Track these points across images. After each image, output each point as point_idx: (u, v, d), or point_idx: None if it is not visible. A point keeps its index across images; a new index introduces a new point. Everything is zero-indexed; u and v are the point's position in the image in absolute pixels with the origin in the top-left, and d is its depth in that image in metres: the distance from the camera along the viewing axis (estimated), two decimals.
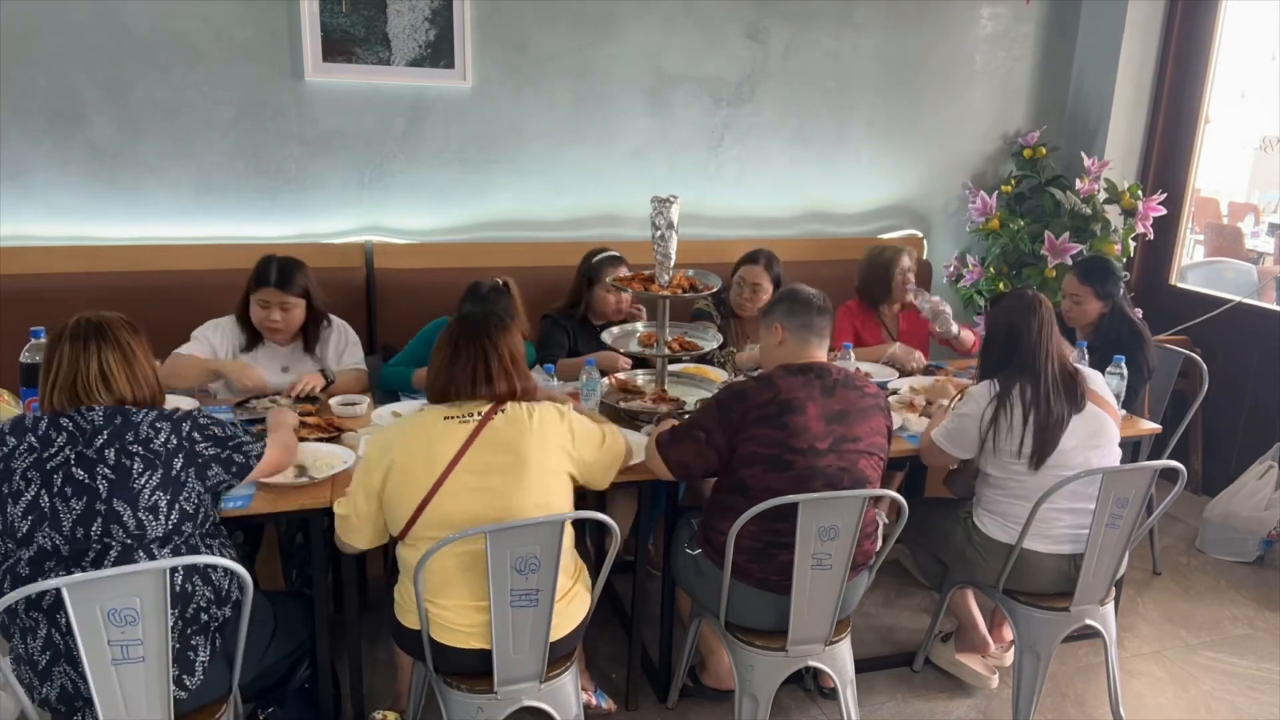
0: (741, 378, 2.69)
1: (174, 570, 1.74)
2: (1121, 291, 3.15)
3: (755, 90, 3.94)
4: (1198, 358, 3.30)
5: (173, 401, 2.55)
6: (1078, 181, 4.04)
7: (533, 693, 2.01)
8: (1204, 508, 3.74)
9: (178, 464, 1.79)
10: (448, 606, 1.95)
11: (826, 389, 2.21)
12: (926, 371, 3.31)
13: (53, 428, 1.74)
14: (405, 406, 2.70)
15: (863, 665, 2.61)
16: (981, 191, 4.16)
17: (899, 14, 4.03)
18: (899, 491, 3.11)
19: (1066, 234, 3.92)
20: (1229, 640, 3.12)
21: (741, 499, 2.18)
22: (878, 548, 2.37)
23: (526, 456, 1.95)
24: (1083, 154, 4.13)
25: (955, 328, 3.34)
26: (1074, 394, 2.40)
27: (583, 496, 2.21)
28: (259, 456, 1.95)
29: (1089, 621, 2.48)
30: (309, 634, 2.20)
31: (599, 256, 3.22)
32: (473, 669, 1.98)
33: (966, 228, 4.31)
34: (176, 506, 1.78)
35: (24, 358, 2.29)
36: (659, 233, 2.67)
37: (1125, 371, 2.82)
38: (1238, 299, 4.06)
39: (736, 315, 3.41)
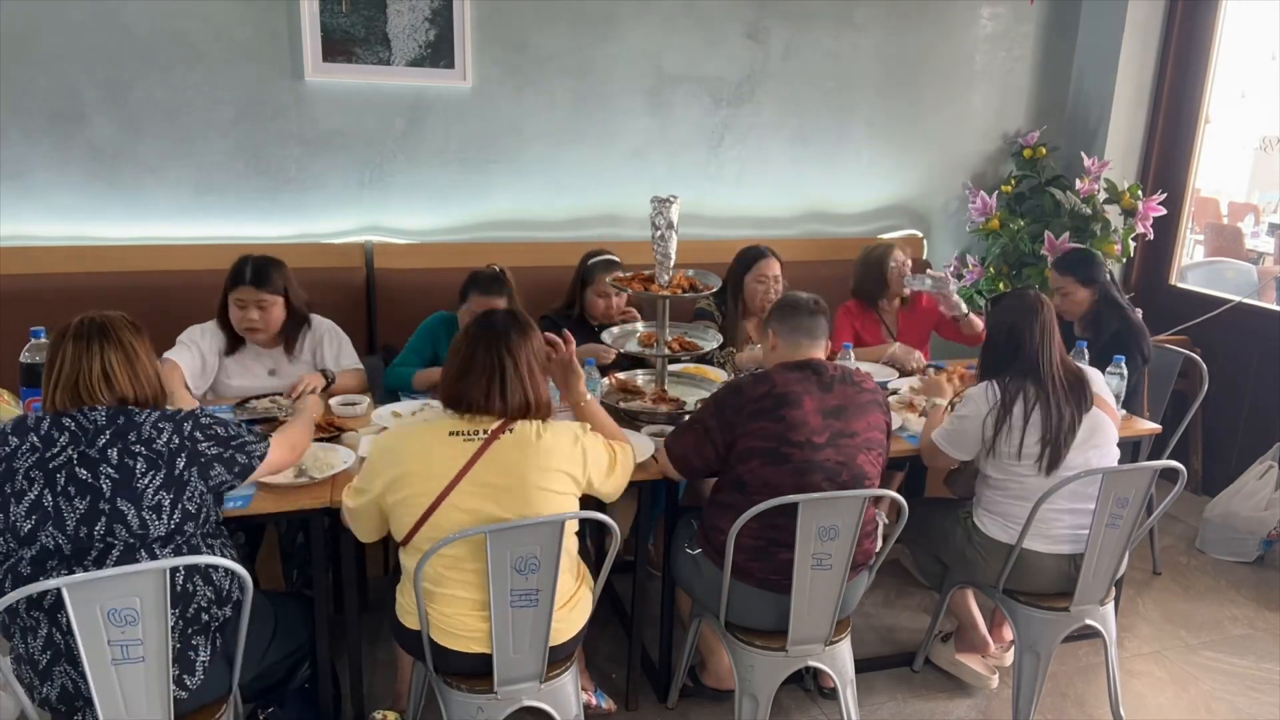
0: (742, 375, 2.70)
1: (175, 570, 1.74)
2: (1107, 275, 3.15)
3: (755, 90, 3.94)
4: (1198, 358, 3.30)
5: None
6: (1078, 181, 4.04)
7: (533, 693, 2.01)
8: (1204, 508, 3.74)
9: (180, 463, 1.79)
10: (448, 611, 1.94)
11: (824, 385, 2.21)
12: (927, 371, 3.30)
13: (55, 428, 1.74)
14: (405, 406, 2.70)
15: (863, 665, 2.61)
16: (981, 191, 4.16)
17: (899, 14, 4.03)
18: (899, 491, 3.12)
19: (1066, 234, 3.92)
20: (1229, 640, 3.12)
21: (740, 495, 2.19)
22: (878, 547, 2.37)
23: (526, 479, 1.92)
24: (1083, 154, 4.13)
25: (963, 306, 3.36)
26: (1081, 395, 2.40)
27: (583, 496, 2.20)
28: (262, 456, 1.94)
29: (1089, 621, 2.48)
30: (309, 634, 2.20)
31: (594, 259, 3.22)
32: (473, 669, 1.98)
33: (966, 228, 4.31)
34: (179, 506, 1.78)
35: (24, 358, 2.29)
36: (659, 233, 2.67)
37: (1125, 371, 2.82)
38: (1238, 299, 4.06)
39: (748, 314, 3.38)
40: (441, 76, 3.51)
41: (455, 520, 1.89)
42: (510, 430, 1.93)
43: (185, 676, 1.79)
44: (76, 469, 1.71)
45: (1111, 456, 2.45)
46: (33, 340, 2.30)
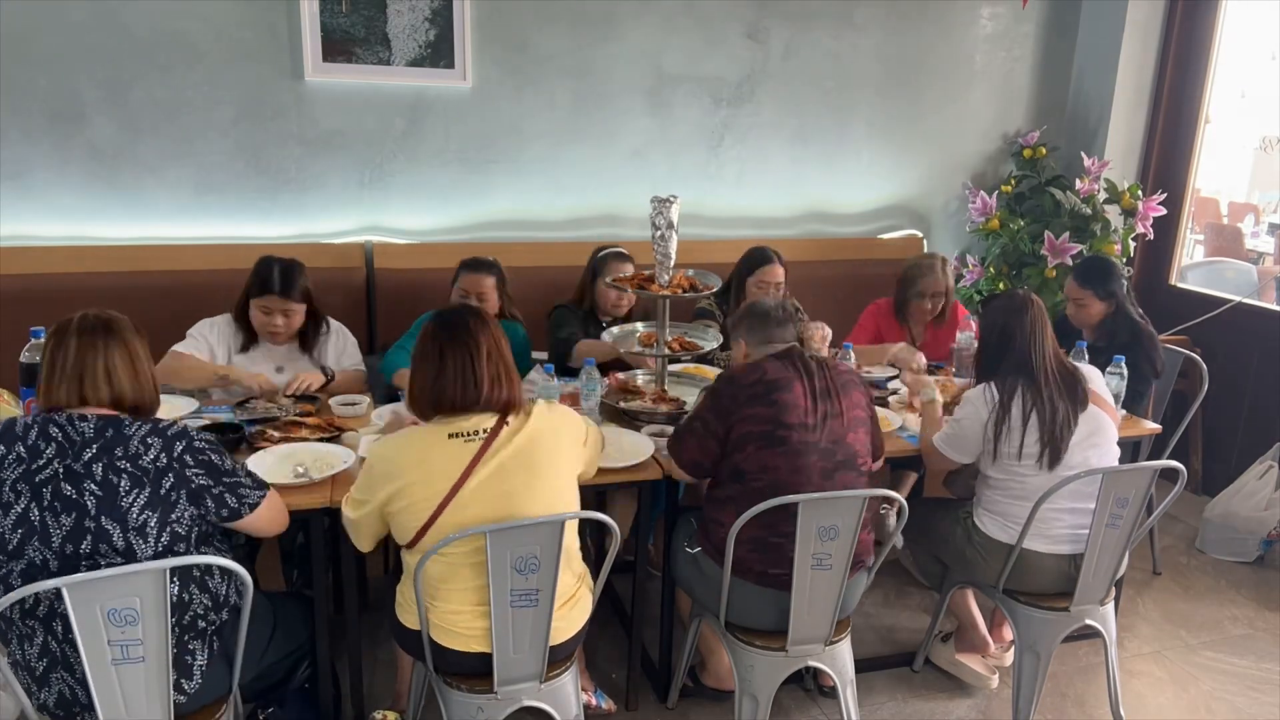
0: None
1: (170, 579, 1.72)
2: (1125, 289, 3.14)
3: (755, 90, 3.94)
4: (1198, 358, 3.30)
5: (171, 401, 2.57)
6: (1078, 181, 4.04)
7: (533, 693, 2.01)
8: (1204, 508, 3.74)
9: (166, 483, 1.73)
10: (449, 610, 1.94)
11: (807, 370, 2.24)
12: (928, 372, 3.30)
13: (42, 438, 1.70)
14: (405, 406, 2.69)
15: (863, 665, 2.61)
16: (981, 191, 4.16)
17: (899, 14, 4.03)
18: (913, 493, 3.11)
19: (1066, 234, 3.92)
20: (1229, 640, 3.12)
21: (738, 485, 2.20)
22: (877, 543, 2.37)
23: (537, 470, 1.92)
24: (1083, 154, 4.13)
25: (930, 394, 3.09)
26: (1075, 391, 2.40)
27: (583, 496, 2.20)
28: (253, 507, 1.86)
29: (1089, 621, 2.48)
30: (309, 634, 2.20)
31: (605, 252, 3.25)
32: (473, 669, 1.98)
33: (966, 228, 4.31)
34: (168, 528, 1.73)
35: (24, 358, 2.29)
36: (659, 233, 2.67)
37: (1125, 371, 2.82)
38: (1238, 299, 4.06)
39: None
40: (441, 76, 3.51)
41: (466, 520, 1.88)
42: (509, 425, 1.93)
43: (183, 681, 1.79)
44: (62, 484, 1.68)
45: (1111, 455, 2.46)
46: (33, 340, 2.30)
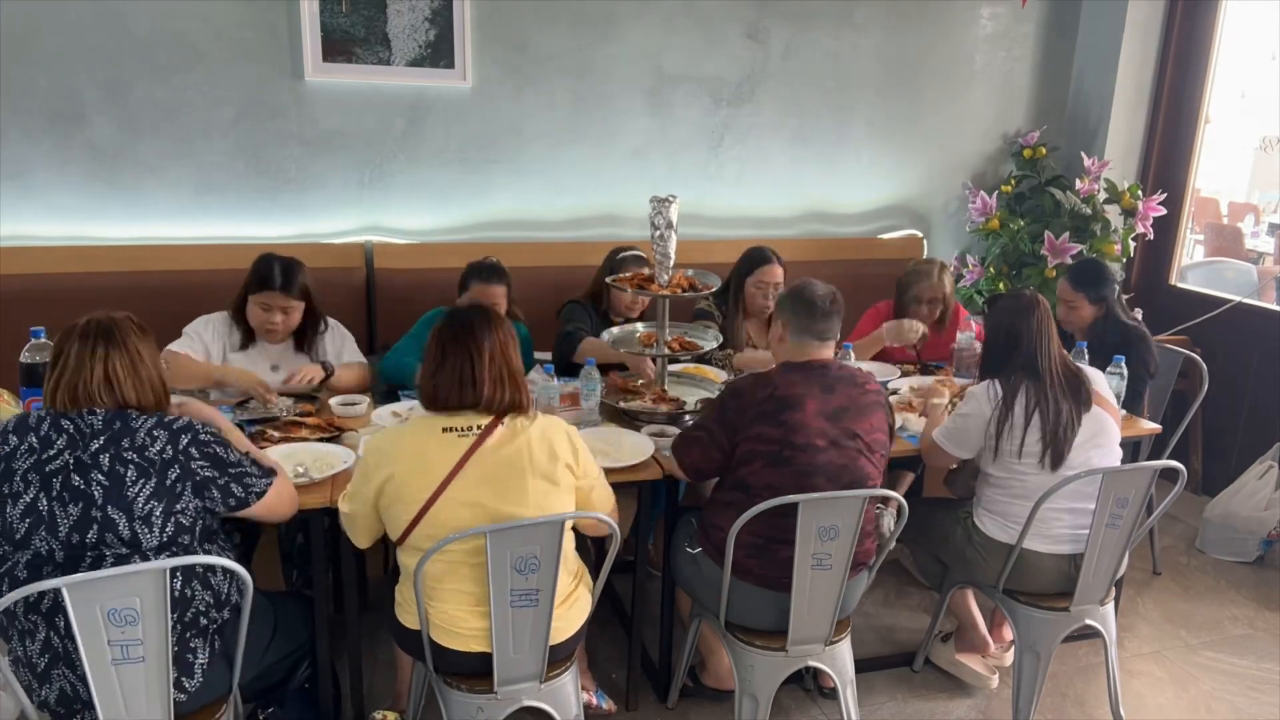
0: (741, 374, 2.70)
1: (173, 575, 1.73)
2: (1116, 294, 3.15)
3: (755, 90, 3.94)
4: (1198, 358, 3.30)
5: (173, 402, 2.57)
6: (1078, 181, 4.04)
7: (533, 693, 2.01)
8: (1204, 508, 3.74)
9: (172, 475, 1.76)
10: (448, 610, 1.94)
11: (826, 386, 2.21)
12: (928, 371, 3.30)
13: (54, 429, 1.73)
14: (405, 406, 2.70)
15: (863, 665, 2.61)
16: (981, 191, 4.16)
17: (899, 14, 4.03)
18: (909, 492, 3.11)
19: (1066, 234, 3.92)
20: (1229, 640, 3.12)
21: (742, 496, 2.19)
22: (876, 545, 2.37)
23: (526, 472, 1.92)
24: (1083, 154, 4.13)
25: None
26: (1079, 392, 2.40)
27: None
28: (260, 494, 1.88)
29: (1089, 621, 2.48)
30: (309, 634, 2.20)
31: (623, 254, 3.24)
32: (473, 669, 1.98)
33: (966, 228, 4.31)
34: (172, 519, 1.76)
35: (24, 358, 2.29)
36: (658, 233, 2.67)
37: (1125, 371, 2.82)
38: (1238, 299, 4.06)
39: (748, 316, 3.37)
40: (441, 76, 3.51)
41: (454, 515, 1.89)
42: (503, 425, 1.94)
43: (184, 679, 1.79)
44: (71, 474, 1.70)
45: (1114, 456, 2.46)
46: (33, 340, 2.30)
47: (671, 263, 2.71)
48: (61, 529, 1.69)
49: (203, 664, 1.82)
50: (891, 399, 2.93)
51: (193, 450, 1.79)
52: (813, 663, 2.28)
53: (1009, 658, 2.82)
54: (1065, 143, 4.39)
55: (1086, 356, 2.88)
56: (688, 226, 3.63)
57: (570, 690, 2.09)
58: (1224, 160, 5.08)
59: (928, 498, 3.21)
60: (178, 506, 1.77)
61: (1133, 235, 4.11)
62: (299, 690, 2.27)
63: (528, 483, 1.92)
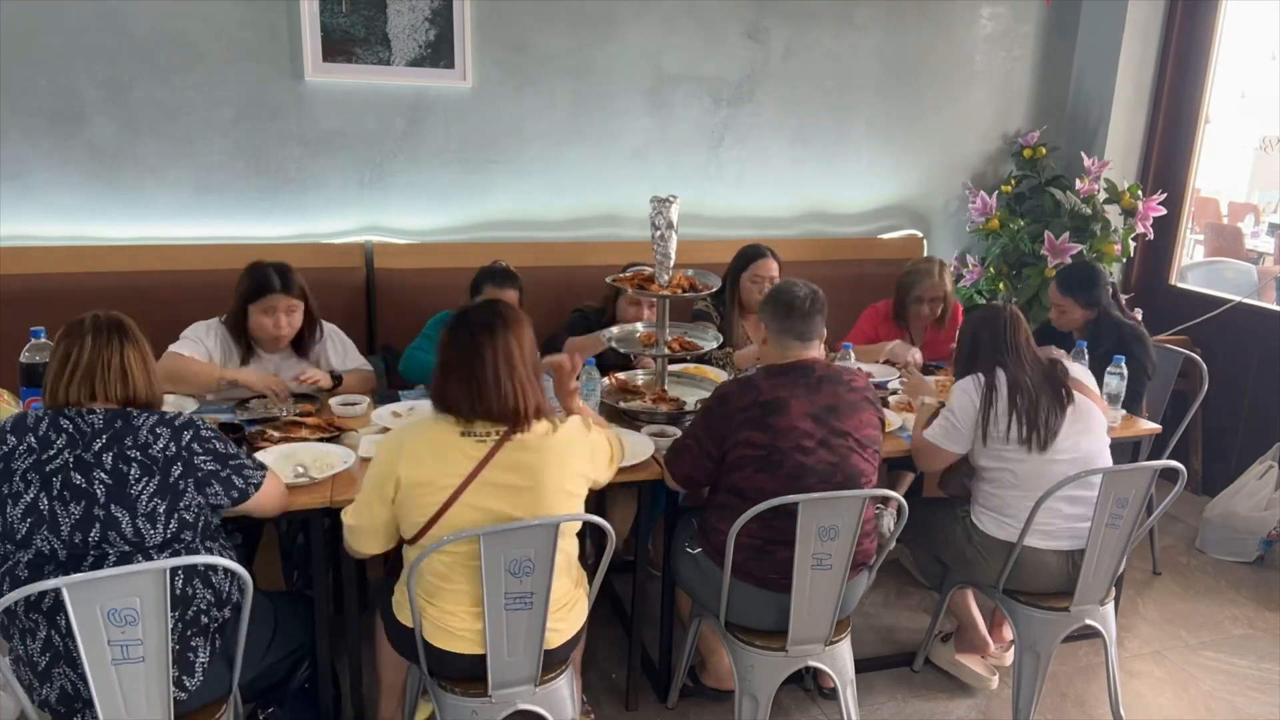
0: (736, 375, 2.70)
1: (175, 573, 1.73)
2: (1110, 295, 3.14)
3: (755, 90, 3.94)
4: (1198, 358, 3.30)
5: (172, 401, 2.57)
6: (1078, 181, 4.04)
7: (527, 696, 2.00)
8: (1204, 508, 3.74)
9: (175, 472, 1.77)
10: (446, 610, 1.94)
11: (811, 386, 2.21)
12: (927, 372, 3.30)
13: (53, 429, 1.73)
14: (405, 406, 2.69)
15: (863, 665, 2.61)
16: (981, 191, 4.16)
17: (899, 14, 4.03)
18: (910, 492, 3.10)
19: (1066, 234, 3.92)
20: (1229, 640, 3.12)
21: (738, 500, 2.19)
22: (877, 545, 2.37)
23: (544, 480, 1.91)
24: (1083, 154, 4.13)
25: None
26: (1055, 378, 2.43)
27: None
28: (258, 485, 1.89)
29: (1089, 621, 2.48)
30: (309, 634, 2.20)
31: (632, 268, 3.21)
32: (467, 673, 1.97)
33: (966, 228, 4.31)
34: (175, 515, 1.76)
35: (24, 358, 2.29)
36: (659, 233, 2.67)
37: (1125, 371, 2.82)
38: (1238, 299, 4.06)
39: (745, 313, 3.37)
40: (441, 76, 3.51)
41: (469, 519, 1.87)
42: (522, 431, 1.91)
43: (184, 678, 1.79)
44: (72, 473, 1.71)
45: (1101, 442, 2.48)
46: (33, 340, 2.30)
47: (672, 263, 2.71)
48: (63, 528, 1.69)
49: (204, 662, 1.82)
50: (891, 399, 2.95)
51: (195, 446, 1.80)
52: (813, 663, 2.28)
53: (1009, 658, 2.82)
54: (1065, 143, 4.39)
55: (1086, 357, 2.88)
56: (688, 226, 3.62)
57: (565, 694, 2.08)
58: (1224, 160, 5.08)
59: (927, 498, 3.21)
60: (181, 504, 1.77)
61: (1133, 235, 4.10)
62: (299, 690, 2.28)
63: (545, 490, 1.91)
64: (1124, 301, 3.33)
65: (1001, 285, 4.11)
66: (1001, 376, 2.42)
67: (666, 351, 2.74)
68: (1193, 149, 4.22)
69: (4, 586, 1.71)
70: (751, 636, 2.28)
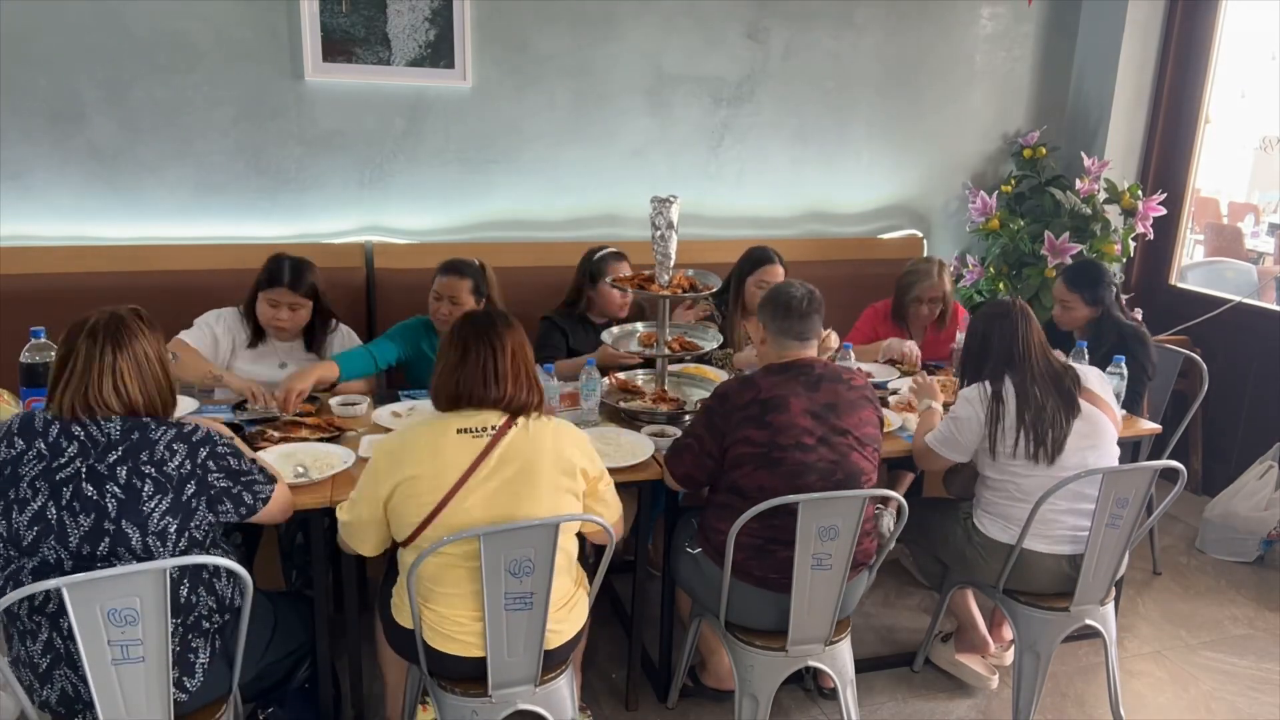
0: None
1: (178, 581, 1.73)
2: (1113, 295, 3.14)
3: (755, 90, 3.94)
4: (1198, 358, 3.30)
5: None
6: (1078, 181, 4.04)
7: (527, 696, 2.00)
8: (1204, 508, 3.74)
9: (189, 490, 1.75)
10: (444, 612, 1.93)
11: (810, 384, 2.21)
12: (929, 372, 3.30)
13: (64, 435, 1.70)
14: (405, 406, 2.70)
15: (863, 665, 2.61)
16: (981, 191, 4.16)
17: (899, 14, 4.03)
18: (912, 492, 3.10)
19: (1066, 234, 3.92)
20: (1229, 640, 3.12)
21: (738, 499, 2.19)
22: (877, 545, 2.37)
23: (541, 474, 1.91)
24: (1083, 154, 4.13)
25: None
26: (1064, 387, 2.40)
27: None
28: (266, 500, 1.88)
29: (1089, 621, 2.48)
30: (309, 634, 2.20)
31: (601, 253, 3.22)
32: (467, 673, 1.97)
33: (966, 228, 4.31)
34: (186, 533, 1.75)
35: (24, 358, 2.28)
36: (659, 233, 2.67)
37: (1126, 371, 2.82)
38: (1238, 299, 4.06)
39: (748, 315, 3.36)
40: (441, 76, 3.51)
41: (466, 518, 1.87)
42: (516, 426, 1.92)
43: (185, 679, 1.79)
44: (84, 484, 1.68)
45: (1110, 457, 2.45)
46: (33, 340, 2.30)
47: (672, 263, 2.71)
48: (72, 539, 1.68)
49: (204, 663, 1.82)
50: (891, 399, 2.95)
51: (210, 464, 1.78)
52: (813, 663, 2.28)
53: (1009, 657, 2.82)
54: (1065, 143, 4.39)
55: (1086, 357, 2.88)
56: (688, 226, 3.63)
57: (566, 694, 2.08)
58: (1224, 160, 5.08)
59: (928, 498, 3.21)
60: (192, 522, 1.76)
61: (1133, 235, 4.10)
62: (299, 690, 2.28)
63: (541, 486, 1.91)
64: (1124, 302, 3.33)
65: (1001, 285, 4.11)
66: (1009, 387, 2.39)
67: (666, 352, 2.74)
68: (1193, 149, 4.22)
69: (7, 590, 1.70)
70: (751, 636, 2.28)
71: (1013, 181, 4.23)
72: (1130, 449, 2.91)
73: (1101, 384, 2.53)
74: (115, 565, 1.69)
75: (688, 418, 2.69)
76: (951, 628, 2.88)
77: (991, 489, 2.49)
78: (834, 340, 2.98)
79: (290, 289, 2.77)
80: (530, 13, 3.56)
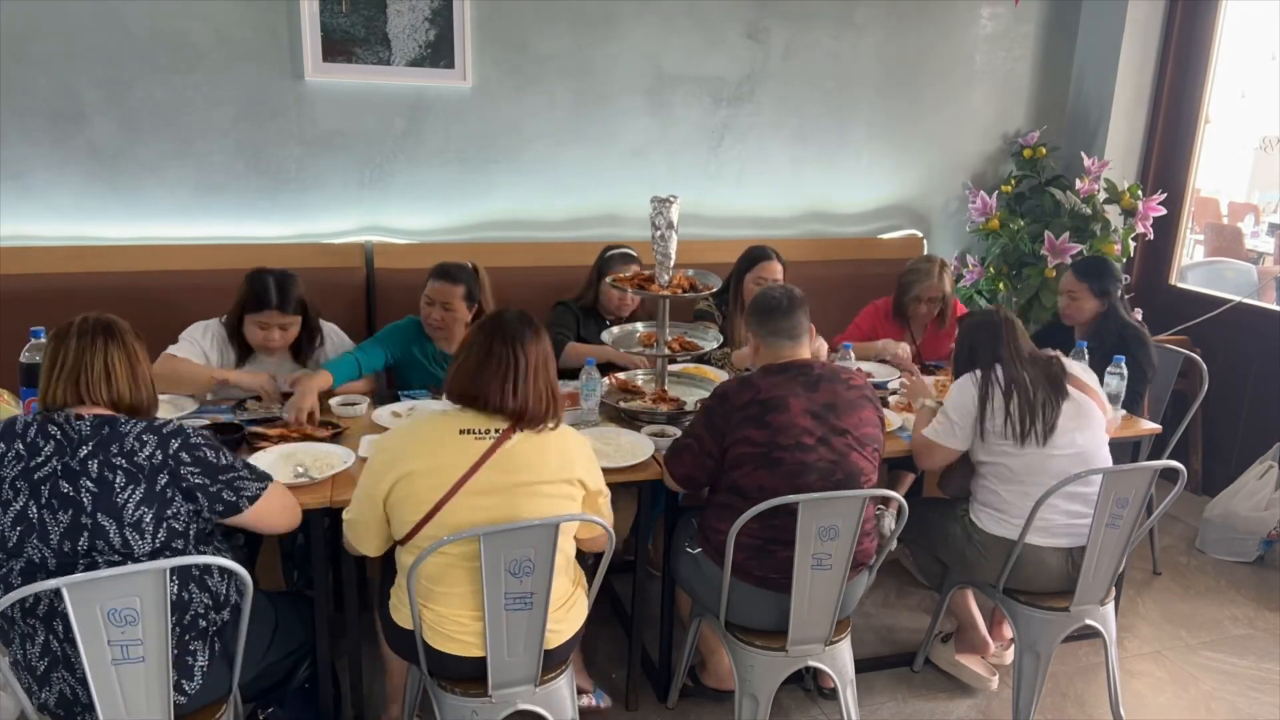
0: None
1: (170, 578, 1.73)
2: (1119, 293, 3.15)
3: (755, 90, 3.94)
4: (1198, 358, 3.30)
5: (171, 402, 2.57)
6: (1078, 181, 4.04)
7: (527, 696, 2.00)
8: (1204, 508, 3.74)
9: (161, 480, 1.73)
10: (444, 612, 1.93)
11: (809, 384, 2.22)
12: (927, 372, 3.31)
13: (41, 435, 1.71)
14: (405, 406, 2.70)
15: (863, 665, 2.61)
16: (981, 191, 4.16)
17: (899, 14, 4.03)
18: (911, 492, 3.10)
19: (1066, 234, 3.92)
20: (1229, 640, 3.12)
21: (738, 499, 2.19)
22: (877, 545, 2.37)
23: (540, 480, 1.91)
24: (1083, 154, 4.13)
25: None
26: (1052, 372, 2.44)
27: None
28: (252, 499, 1.83)
29: (1089, 621, 2.48)
30: (309, 634, 2.20)
31: (611, 252, 3.27)
32: (467, 673, 1.97)
33: (966, 228, 4.31)
34: (164, 524, 1.74)
35: (24, 358, 2.29)
36: (659, 233, 2.67)
37: (1125, 371, 2.82)
38: (1238, 299, 4.06)
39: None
40: (441, 76, 3.51)
41: (463, 519, 1.87)
42: (521, 430, 1.91)
43: (184, 682, 1.79)
44: (60, 481, 1.69)
45: (1099, 439, 2.48)
46: (33, 340, 2.30)
47: (672, 263, 2.71)
48: (53, 536, 1.68)
49: (202, 666, 1.81)
50: (891, 399, 2.95)
51: (183, 455, 1.76)
52: (813, 663, 2.28)
53: (1009, 656, 2.82)
54: (1065, 143, 4.39)
55: (1086, 357, 2.88)
56: (688, 226, 3.63)
57: (565, 694, 2.08)
58: (1224, 160, 5.07)
59: (928, 498, 3.21)
60: (169, 512, 1.74)
61: (1133, 235, 4.11)
62: (299, 690, 2.27)
63: (541, 489, 1.91)
64: (1126, 302, 3.33)
65: (1001, 285, 4.11)
66: (999, 371, 2.43)
67: (666, 352, 2.74)
68: (1193, 149, 4.22)
69: None
70: (751, 636, 2.28)
71: (1013, 181, 4.23)
72: (1130, 449, 2.91)
73: (1085, 372, 2.57)
74: (97, 560, 1.70)
75: (688, 418, 2.69)
76: (951, 628, 2.88)
77: (985, 476, 2.50)
78: (823, 352, 2.98)
79: (279, 310, 2.70)
80: (530, 13, 3.56)
